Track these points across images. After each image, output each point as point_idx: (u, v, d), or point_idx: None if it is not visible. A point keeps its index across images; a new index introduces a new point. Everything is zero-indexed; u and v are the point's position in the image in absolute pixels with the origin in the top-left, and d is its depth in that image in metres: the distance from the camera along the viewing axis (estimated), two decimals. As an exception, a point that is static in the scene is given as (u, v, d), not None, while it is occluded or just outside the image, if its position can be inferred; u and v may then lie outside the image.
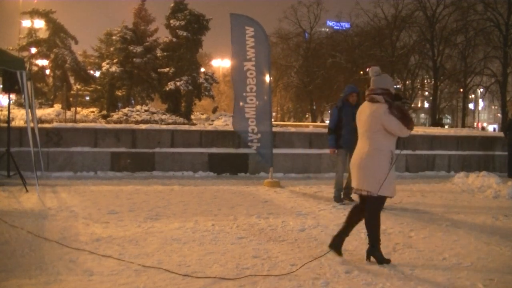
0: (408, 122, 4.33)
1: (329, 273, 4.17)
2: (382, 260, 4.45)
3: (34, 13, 35.94)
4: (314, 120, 46.73)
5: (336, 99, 35.44)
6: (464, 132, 14.97)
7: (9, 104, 10.12)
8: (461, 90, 41.65)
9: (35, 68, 35.80)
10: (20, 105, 25.53)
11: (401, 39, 42.47)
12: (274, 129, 10.59)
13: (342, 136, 7.58)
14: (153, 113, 27.55)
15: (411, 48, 40.95)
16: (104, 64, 33.44)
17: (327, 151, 8.14)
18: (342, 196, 7.73)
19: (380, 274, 4.18)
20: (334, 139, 7.66)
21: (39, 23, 36.58)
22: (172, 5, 32.71)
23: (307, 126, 24.97)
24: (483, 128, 45.32)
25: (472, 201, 8.24)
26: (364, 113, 4.50)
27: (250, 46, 9.24)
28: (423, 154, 12.20)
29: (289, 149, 11.19)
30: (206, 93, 32.79)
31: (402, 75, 43.31)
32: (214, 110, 38.96)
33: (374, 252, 4.48)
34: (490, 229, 6.06)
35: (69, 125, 12.06)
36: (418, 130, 16.43)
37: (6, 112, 10.65)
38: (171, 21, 32.00)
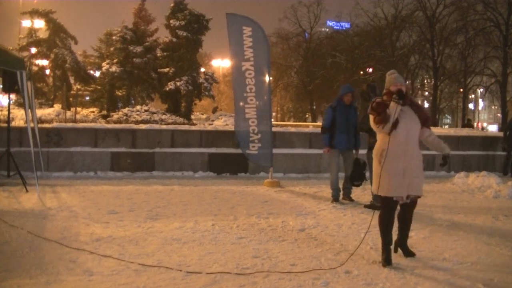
0: (375, 117, 4.33)
1: (329, 273, 4.16)
2: (384, 263, 4.42)
3: (34, 13, 35.88)
4: (313, 120, 46.74)
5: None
6: (464, 132, 14.96)
7: (9, 104, 10.12)
8: (461, 90, 41.63)
9: (35, 68, 35.71)
10: (20, 105, 25.48)
11: (401, 39, 42.46)
12: (274, 129, 10.59)
13: (335, 136, 7.55)
14: (153, 113, 27.53)
15: (411, 48, 40.93)
16: (104, 64, 33.42)
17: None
18: (341, 196, 7.72)
19: (380, 274, 4.18)
20: (328, 139, 7.63)
21: (39, 23, 36.51)
22: (172, 5, 32.69)
23: (307, 126, 24.97)
24: (482, 128, 45.38)
25: (472, 201, 8.24)
26: None
27: (248, 46, 9.22)
28: (423, 154, 12.16)
29: (289, 149, 11.19)
30: (206, 93, 32.79)
31: (402, 75, 43.12)
32: (214, 110, 38.95)
33: (382, 251, 4.53)
34: (490, 229, 6.05)
35: (69, 125, 12.06)
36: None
37: (6, 112, 10.65)
38: (171, 21, 31.99)
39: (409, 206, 4.59)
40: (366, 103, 7.42)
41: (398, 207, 4.56)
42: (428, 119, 4.51)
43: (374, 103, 4.37)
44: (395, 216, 4.56)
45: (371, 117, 4.40)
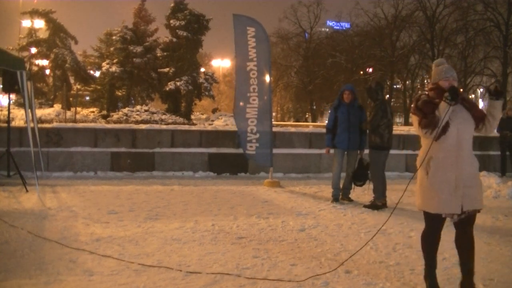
0: (421, 120, 3.58)
1: (329, 273, 4.16)
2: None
3: (34, 13, 35.92)
4: (313, 120, 46.75)
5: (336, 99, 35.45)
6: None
7: (9, 104, 10.13)
8: (461, 90, 41.67)
9: (35, 68, 35.77)
10: (20, 105, 25.49)
11: (401, 39, 42.52)
12: (274, 129, 10.58)
13: (337, 135, 7.54)
14: (153, 113, 27.55)
15: (411, 48, 40.99)
16: (104, 64, 33.46)
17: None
18: (340, 196, 7.71)
19: (380, 274, 4.18)
20: (329, 139, 7.64)
21: (39, 23, 36.58)
22: (172, 5, 32.74)
23: (307, 126, 24.98)
24: None
25: (472, 201, 8.22)
26: None
27: (252, 46, 9.25)
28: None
29: (289, 149, 11.19)
30: (206, 93, 32.83)
31: (402, 75, 43.34)
32: (214, 111, 39.01)
33: (425, 276, 3.84)
34: (490, 229, 6.05)
35: (69, 125, 12.07)
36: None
37: (6, 112, 10.65)
38: (171, 21, 32.03)
39: (466, 224, 3.76)
40: (375, 102, 7.36)
41: (451, 227, 3.88)
42: (484, 116, 3.66)
43: (420, 102, 3.64)
44: (441, 234, 3.88)
45: (414, 119, 3.65)
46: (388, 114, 7.22)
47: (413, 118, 3.70)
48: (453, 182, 3.57)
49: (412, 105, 3.79)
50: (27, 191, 7.68)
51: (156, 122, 24.75)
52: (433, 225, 3.82)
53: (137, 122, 22.64)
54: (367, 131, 7.51)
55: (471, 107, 3.65)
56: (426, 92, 3.83)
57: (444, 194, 3.59)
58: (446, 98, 3.49)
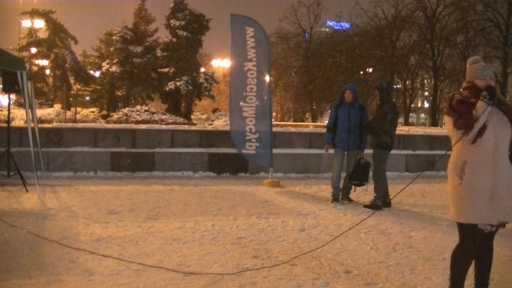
0: (456, 120, 3.32)
1: (329, 273, 4.16)
2: None
3: (34, 13, 35.92)
4: (313, 120, 46.76)
5: (336, 99, 35.47)
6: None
7: (9, 104, 10.11)
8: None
9: (35, 68, 35.77)
10: (20, 105, 25.51)
11: (401, 39, 42.61)
12: (274, 129, 10.58)
13: (337, 135, 7.57)
14: (153, 113, 27.54)
15: (411, 48, 41.03)
16: (104, 64, 33.47)
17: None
18: (340, 196, 7.72)
19: (380, 274, 4.18)
20: (330, 137, 7.67)
21: (39, 23, 36.57)
22: (172, 5, 32.72)
23: (307, 126, 24.99)
24: None
25: (472, 201, 8.21)
26: None
27: (251, 46, 9.25)
28: (423, 154, 12.20)
29: (289, 149, 11.20)
30: (206, 93, 32.81)
31: (402, 75, 43.37)
32: (214, 111, 39.02)
33: None
34: (490, 229, 6.05)
35: (69, 125, 12.05)
36: (418, 130, 16.43)
37: (6, 112, 10.65)
38: (171, 21, 32.01)
39: (490, 235, 3.51)
40: (386, 103, 7.32)
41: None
42: None
43: (454, 101, 3.38)
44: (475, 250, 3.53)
45: (448, 120, 3.40)
46: (397, 116, 7.37)
47: (447, 119, 3.43)
48: (490, 189, 3.29)
49: (445, 105, 3.54)
50: (27, 191, 7.68)
51: (156, 122, 24.74)
52: (469, 238, 3.40)
53: (137, 122, 22.63)
54: (372, 132, 7.48)
55: (508, 110, 3.39)
56: (460, 93, 3.58)
57: (480, 203, 3.29)
58: (484, 97, 3.29)
